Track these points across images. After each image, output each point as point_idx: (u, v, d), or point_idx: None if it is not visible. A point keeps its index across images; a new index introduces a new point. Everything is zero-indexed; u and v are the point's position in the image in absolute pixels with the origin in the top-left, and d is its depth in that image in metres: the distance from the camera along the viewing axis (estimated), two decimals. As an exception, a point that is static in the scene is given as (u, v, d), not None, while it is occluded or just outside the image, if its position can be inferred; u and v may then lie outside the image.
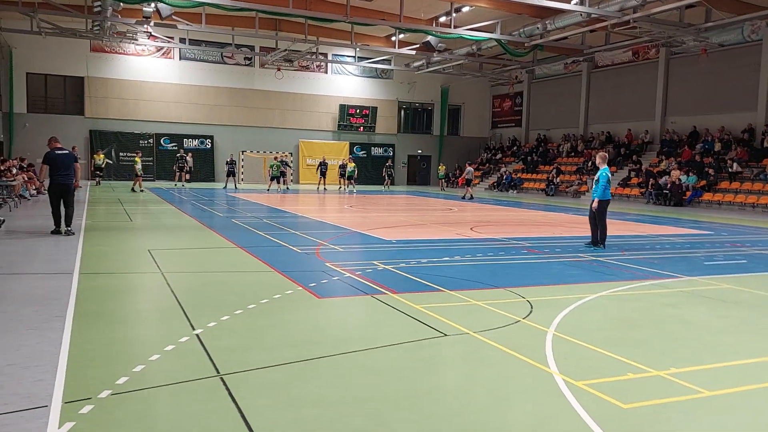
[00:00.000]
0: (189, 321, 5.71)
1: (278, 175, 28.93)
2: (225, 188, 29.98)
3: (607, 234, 11.77)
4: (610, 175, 11.51)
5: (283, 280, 7.75)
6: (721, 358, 5.08)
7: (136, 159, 26.20)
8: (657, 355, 5.10)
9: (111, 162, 32.85)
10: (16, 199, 17.73)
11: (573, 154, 35.44)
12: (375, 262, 9.29)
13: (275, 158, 31.42)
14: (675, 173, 26.30)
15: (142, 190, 25.55)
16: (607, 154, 12.17)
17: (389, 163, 36.91)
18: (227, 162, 30.78)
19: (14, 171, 19.66)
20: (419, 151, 42.17)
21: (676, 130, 30.26)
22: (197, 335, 5.25)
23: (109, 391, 3.96)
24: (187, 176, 31.39)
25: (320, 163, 33.50)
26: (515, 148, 40.54)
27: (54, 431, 3.40)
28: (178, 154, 31.32)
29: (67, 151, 11.69)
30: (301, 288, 7.28)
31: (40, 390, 3.94)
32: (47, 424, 3.47)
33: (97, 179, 29.03)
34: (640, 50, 31.71)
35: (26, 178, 20.41)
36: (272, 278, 7.90)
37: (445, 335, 5.49)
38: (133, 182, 26.42)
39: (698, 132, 28.91)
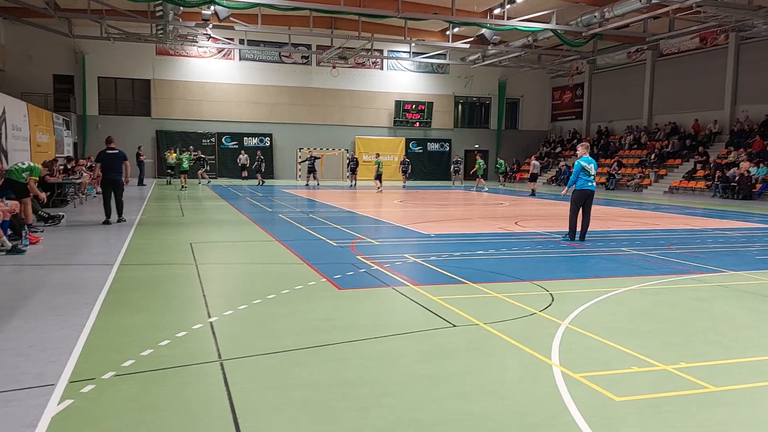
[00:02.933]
0: (207, 309, 5.93)
1: (381, 172, 28.13)
2: (261, 184, 30.22)
3: (585, 227, 11.22)
4: (585, 164, 11.04)
5: (310, 272, 7.89)
6: (738, 354, 4.86)
7: (178, 155, 27.97)
8: (669, 349, 4.93)
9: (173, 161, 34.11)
10: (83, 196, 18.73)
11: (636, 146, 34.24)
12: (406, 255, 9.33)
13: (310, 154, 31.68)
14: (744, 165, 25.00)
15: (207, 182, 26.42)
16: (588, 144, 11.84)
17: (456, 158, 36.30)
18: (257, 158, 30.85)
19: (83, 173, 20.75)
20: (476, 146, 41.72)
21: (748, 119, 28.72)
22: (211, 323, 5.45)
23: (113, 372, 4.18)
24: (245, 173, 32.10)
25: (309, 157, 31.43)
26: (575, 141, 39.49)
27: (53, 407, 3.62)
28: (200, 153, 31.38)
29: (117, 151, 12.73)
30: (324, 279, 7.41)
31: (51, 370, 4.20)
32: (48, 401, 3.71)
33: (169, 178, 29.97)
34: (707, 36, 30.27)
35: (93, 176, 21.50)
36: (300, 270, 8.06)
37: (454, 326, 5.48)
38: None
39: (771, 121, 27.35)
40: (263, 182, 31.19)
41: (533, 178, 27.20)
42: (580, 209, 11.22)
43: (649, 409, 3.74)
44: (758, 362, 4.67)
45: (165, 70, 35.36)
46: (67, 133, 29.34)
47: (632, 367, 4.49)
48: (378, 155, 30.24)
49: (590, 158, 11.27)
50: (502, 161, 33.50)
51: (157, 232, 11.93)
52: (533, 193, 26.40)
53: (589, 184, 11.12)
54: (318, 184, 30.89)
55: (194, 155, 29.42)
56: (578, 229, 11.27)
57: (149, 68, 35.04)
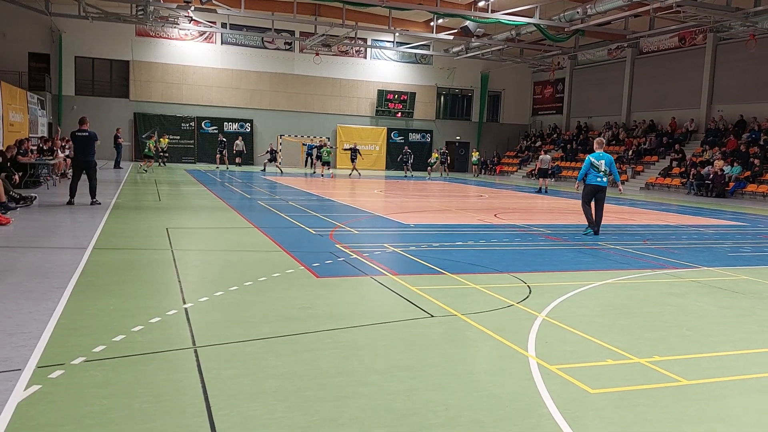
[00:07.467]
0: (182, 295, 5.84)
1: (329, 160, 29.50)
2: (263, 171, 30.75)
3: (598, 221, 11.42)
4: (594, 160, 11.16)
5: (288, 260, 7.83)
6: (710, 348, 4.92)
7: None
8: (643, 342, 4.97)
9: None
10: (56, 177, 18.35)
11: (614, 142, 34.55)
12: (386, 245, 9.30)
13: (355, 145, 31.74)
14: (718, 163, 25.39)
15: (145, 170, 26.37)
16: (603, 141, 11.74)
17: (444, 149, 36.60)
18: (268, 150, 31.10)
19: (59, 152, 20.32)
20: (457, 138, 41.81)
21: (723, 118, 29.14)
22: (185, 309, 5.36)
23: (83, 358, 4.09)
24: (228, 159, 31.87)
25: (351, 147, 31.70)
26: (555, 135, 39.78)
27: (20, 393, 3.53)
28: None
29: (87, 133, 12.76)
30: (303, 267, 7.35)
31: (18, 355, 4.10)
32: (15, 386, 3.61)
33: (163, 160, 31.16)
34: (686, 36, 30.61)
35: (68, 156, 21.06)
36: (278, 257, 7.99)
37: (432, 316, 5.47)
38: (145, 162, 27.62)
39: (745, 121, 27.79)
40: (219, 168, 31.51)
41: (543, 174, 23.54)
42: (592, 203, 11.35)
43: (623, 401, 3.76)
44: (729, 357, 4.74)
45: (144, 52, 34.80)
46: (41, 113, 28.71)
47: (607, 359, 4.52)
48: (355, 145, 30.85)
49: (603, 154, 11.18)
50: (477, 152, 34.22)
51: (132, 216, 11.74)
52: (541, 191, 23.20)
53: (598, 179, 11.15)
54: (359, 174, 31.03)
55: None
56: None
57: (128, 49, 34.45)
